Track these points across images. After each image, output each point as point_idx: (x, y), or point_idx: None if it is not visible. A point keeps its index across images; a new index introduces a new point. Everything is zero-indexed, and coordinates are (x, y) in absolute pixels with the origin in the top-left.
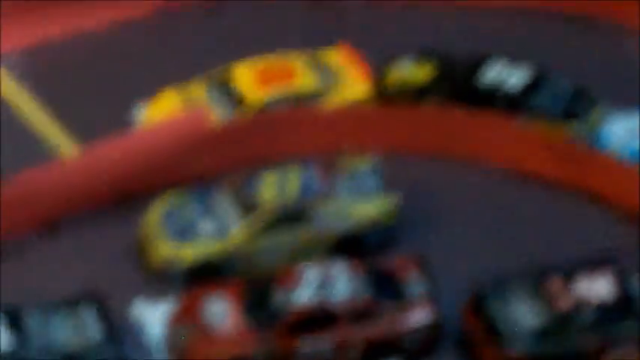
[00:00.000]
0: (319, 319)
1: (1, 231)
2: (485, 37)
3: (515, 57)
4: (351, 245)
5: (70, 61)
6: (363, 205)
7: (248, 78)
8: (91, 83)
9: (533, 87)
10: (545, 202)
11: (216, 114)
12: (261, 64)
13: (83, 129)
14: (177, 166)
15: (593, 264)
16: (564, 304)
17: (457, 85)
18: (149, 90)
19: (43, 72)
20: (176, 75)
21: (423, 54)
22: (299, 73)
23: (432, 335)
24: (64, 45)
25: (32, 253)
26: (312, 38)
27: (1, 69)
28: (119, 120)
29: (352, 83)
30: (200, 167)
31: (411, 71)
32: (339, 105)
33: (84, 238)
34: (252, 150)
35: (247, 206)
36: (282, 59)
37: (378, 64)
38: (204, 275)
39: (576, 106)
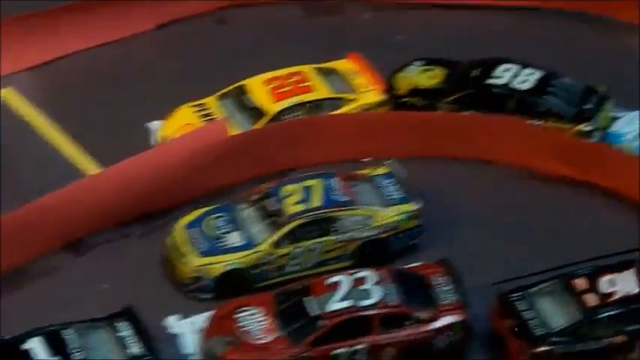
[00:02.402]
0: (353, 325)
1: (28, 251)
2: (491, 39)
3: (523, 57)
4: (376, 252)
5: (79, 80)
6: (385, 212)
7: (262, 89)
8: (103, 101)
9: (542, 87)
10: (561, 200)
11: (233, 126)
12: (273, 76)
13: (99, 148)
14: (198, 179)
15: (616, 260)
16: (591, 300)
17: (468, 88)
18: (162, 106)
19: (54, 91)
20: (188, 88)
21: (432, 59)
22: (312, 83)
23: (463, 338)
24: (72, 64)
25: (60, 272)
26: (319, 49)
27: (8, 89)
28: (135, 138)
29: (365, 90)
30: (221, 179)
31: (421, 76)
32: (353, 112)
33: (110, 255)
34: (271, 160)
35: (272, 217)
36: (294, 70)
37: (387, 71)
38: (233, 287)
39: (586, 105)
